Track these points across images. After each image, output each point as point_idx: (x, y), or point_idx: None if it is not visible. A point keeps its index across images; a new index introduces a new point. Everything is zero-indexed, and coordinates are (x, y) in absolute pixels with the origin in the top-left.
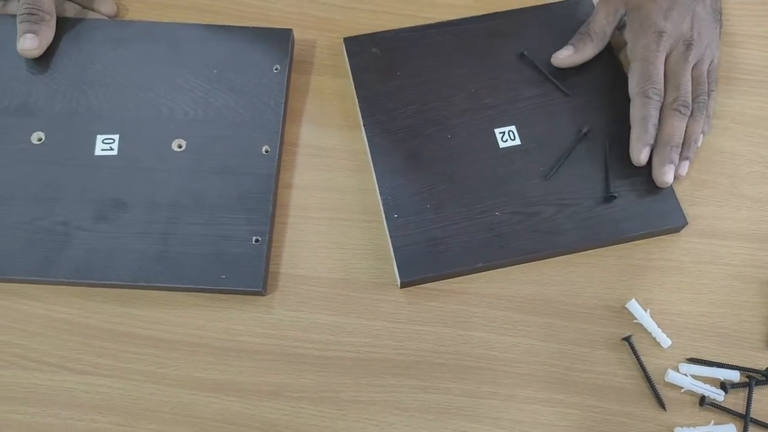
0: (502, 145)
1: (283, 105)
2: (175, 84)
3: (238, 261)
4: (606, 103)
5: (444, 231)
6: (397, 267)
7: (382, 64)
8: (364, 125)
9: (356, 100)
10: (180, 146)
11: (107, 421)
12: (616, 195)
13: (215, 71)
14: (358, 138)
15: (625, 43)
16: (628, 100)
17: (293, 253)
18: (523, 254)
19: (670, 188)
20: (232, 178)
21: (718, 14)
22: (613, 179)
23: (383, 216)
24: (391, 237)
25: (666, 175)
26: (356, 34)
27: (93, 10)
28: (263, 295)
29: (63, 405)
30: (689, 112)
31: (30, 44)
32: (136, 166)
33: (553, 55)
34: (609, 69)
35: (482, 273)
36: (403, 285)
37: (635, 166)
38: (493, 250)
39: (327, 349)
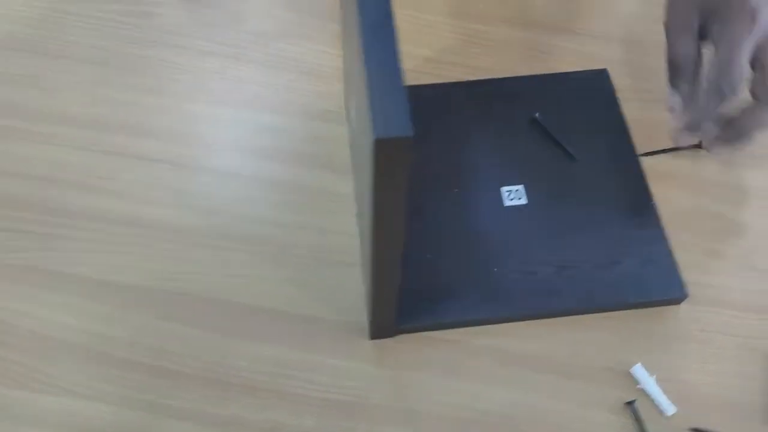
0: (507, 203)
1: None
2: None
3: None
4: (613, 167)
5: (441, 282)
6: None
7: None
8: None
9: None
10: None
11: None
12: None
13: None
14: (344, 180)
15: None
16: (635, 168)
17: None
18: (519, 312)
19: (671, 259)
20: None
21: None
22: (613, 244)
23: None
24: None
25: (682, 136)
26: None
27: None
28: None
29: None
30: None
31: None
32: None
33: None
34: (617, 136)
35: (482, 327)
36: (396, 332)
37: (636, 233)
38: (489, 305)
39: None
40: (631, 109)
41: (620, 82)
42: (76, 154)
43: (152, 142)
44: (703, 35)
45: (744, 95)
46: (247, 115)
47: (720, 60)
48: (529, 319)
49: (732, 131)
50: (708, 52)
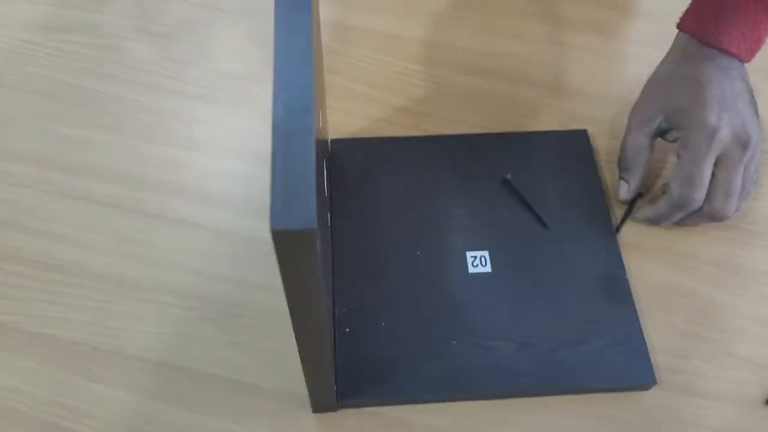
0: (471, 270)
1: None
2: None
3: None
4: (586, 237)
5: (395, 353)
6: (338, 385)
7: (364, 169)
8: (332, 228)
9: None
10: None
11: None
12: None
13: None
14: None
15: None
16: (609, 239)
17: None
18: (477, 392)
19: (642, 340)
20: None
21: (755, 106)
22: (582, 322)
23: (328, 328)
24: (337, 352)
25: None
26: (345, 136)
27: None
28: None
29: None
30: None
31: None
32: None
33: (618, 194)
34: (593, 203)
35: (434, 404)
36: (341, 406)
37: (606, 310)
38: (445, 382)
39: None
40: (610, 173)
41: (601, 143)
42: (15, 191)
43: (100, 184)
44: (665, 137)
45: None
46: (206, 160)
47: (683, 174)
48: (485, 399)
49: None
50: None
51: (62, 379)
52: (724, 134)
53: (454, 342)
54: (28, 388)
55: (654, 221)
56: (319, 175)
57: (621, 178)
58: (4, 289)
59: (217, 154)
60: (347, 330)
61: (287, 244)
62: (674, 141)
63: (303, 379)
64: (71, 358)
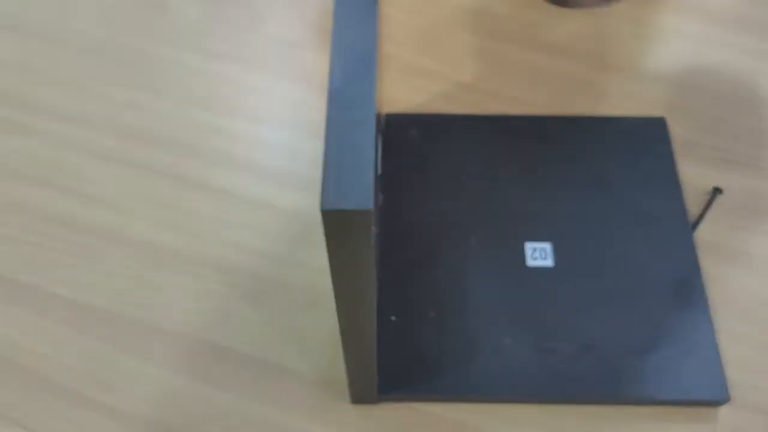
0: (530, 262)
1: None
2: None
3: None
4: (659, 234)
5: (442, 346)
6: (380, 377)
7: (419, 147)
8: (381, 209)
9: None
10: None
11: None
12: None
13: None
14: None
15: None
16: (685, 237)
17: None
18: (529, 395)
19: (716, 351)
20: None
21: None
22: (649, 327)
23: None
24: (381, 342)
25: None
26: (401, 111)
27: None
28: None
29: None
30: None
31: None
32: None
33: None
34: (668, 198)
35: (480, 404)
36: (381, 399)
37: (677, 316)
38: (494, 381)
39: None
40: (688, 167)
41: (678, 133)
42: (56, 151)
43: (142, 148)
44: None
45: None
46: (252, 129)
47: None
48: (539, 403)
49: None
50: None
51: (92, 347)
52: None
53: (507, 339)
54: (57, 354)
55: None
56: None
57: None
58: (42, 251)
59: (265, 124)
60: (393, 319)
61: (338, 224)
62: None
63: (342, 366)
64: (103, 327)
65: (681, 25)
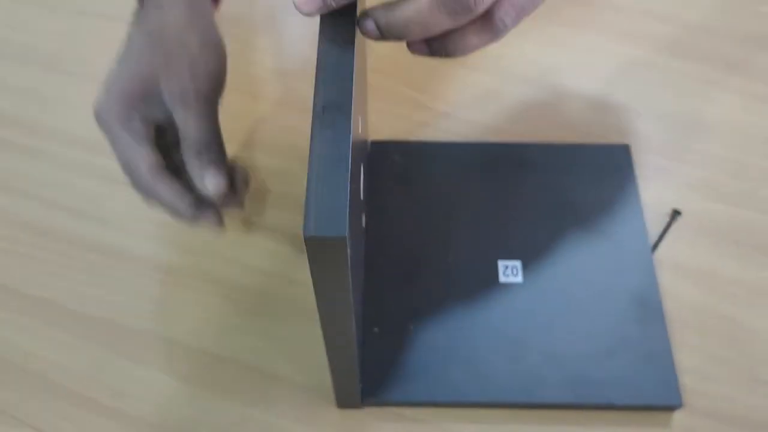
0: (502, 279)
1: None
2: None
3: None
4: (622, 253)
5: (422, 355)
6: (363, 383)
7: (402, 172)
8: (367, 229)
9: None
10: None
11: None
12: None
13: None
14: None
15: None
16: (645, 256)
17: None
18: (499, 399)
19: (670, 360)
20: None
21: None
22: (610, 337)
23: (356, 331)
24: (364, 351)
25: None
26: (386, 138)
27: None
28: None
29: None
30: None
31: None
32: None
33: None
34: (630, 220)
35: (458, 409)
36: (365, 404)
37: (637, 327)
38: (470, 387)
39: None
40: (650, 191)
41: (642, 159)
42: (64, 174)
43: None
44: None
45: None
46: (245, 154)
47: None
48: (509, 408)
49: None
50: None
51: (100, 356)
52: None
53: (480, 349)
54: (67, 362)
55: (405, 26)
56: (356, 177)
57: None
58: (49, 266)
59: (258, 149)
60: (376, 330)
61: (319, 249)
62: None
63: (330, 374)
64: (109, 337)
65: (635, 54)
